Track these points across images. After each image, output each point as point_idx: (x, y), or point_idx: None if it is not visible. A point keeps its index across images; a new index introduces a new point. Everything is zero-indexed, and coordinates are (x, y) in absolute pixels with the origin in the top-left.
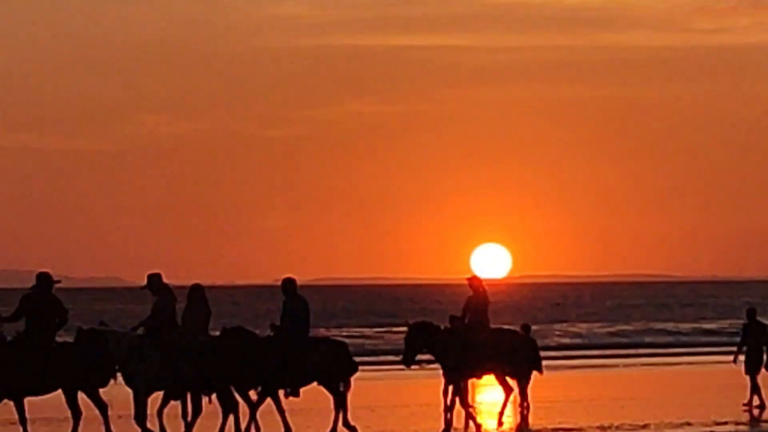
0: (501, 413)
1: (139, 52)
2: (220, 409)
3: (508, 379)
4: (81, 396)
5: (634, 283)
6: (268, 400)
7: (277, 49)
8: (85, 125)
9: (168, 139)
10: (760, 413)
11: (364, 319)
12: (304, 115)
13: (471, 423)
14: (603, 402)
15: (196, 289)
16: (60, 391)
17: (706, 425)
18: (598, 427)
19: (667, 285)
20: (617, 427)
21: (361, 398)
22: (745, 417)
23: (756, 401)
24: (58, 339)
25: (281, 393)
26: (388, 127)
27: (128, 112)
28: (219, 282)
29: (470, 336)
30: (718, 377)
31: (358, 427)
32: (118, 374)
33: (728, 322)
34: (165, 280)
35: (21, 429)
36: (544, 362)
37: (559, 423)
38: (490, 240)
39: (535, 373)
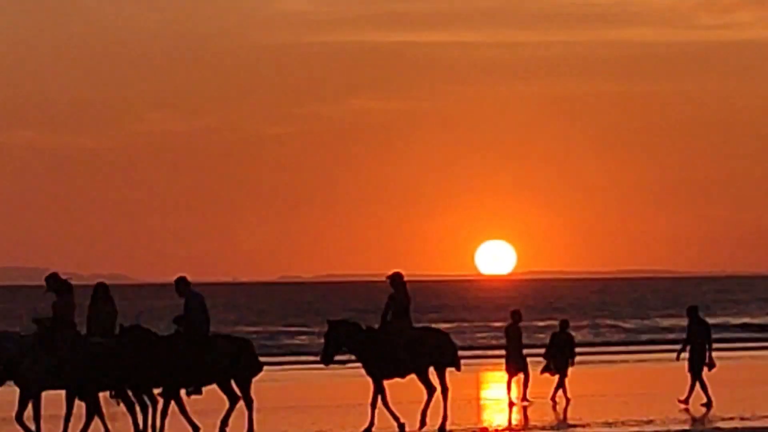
0: (423, 413)
1: (142, 49)
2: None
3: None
4: None
5: (638, 279)
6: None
7: (281, 46)
8: (88, 123)
9: (172, 136)
10: (707, 411)
11: (367, 315)
12: (308, 112)
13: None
14: (607, 398)
15: (100, 288)
16: None
17: (711, 421)
18: (602, 423)
19: (671, 281)
20: (622, 423)
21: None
22: (749, 413)
23: (701, 399)
24: None
25: (183, 392)
26: (392, 123)
27: (132, 110)
28: (223, 279)
29: (392, 335)
30: (722, 373)
31: (361, 423)
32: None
33: (731, 317)
34: (166, 277)
35: None
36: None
37: (564, 419)
38: (495, 237)
39: (452, 370)
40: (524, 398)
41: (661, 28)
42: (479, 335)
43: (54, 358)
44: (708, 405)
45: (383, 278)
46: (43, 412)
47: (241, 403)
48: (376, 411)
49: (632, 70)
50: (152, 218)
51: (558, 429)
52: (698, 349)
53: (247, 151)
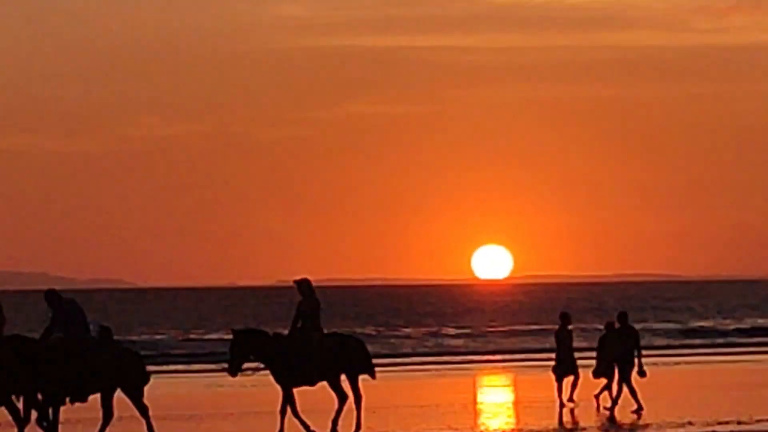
0: (335, 422)
1: (137, 53)
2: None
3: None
4: None
5: (635, 283)
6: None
7: (277, 50)
8: (84, 127)
9: (168, 140)
10: (639, 417)
11: (365, 320)
12: (305, 116)
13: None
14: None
15: None
16: None
17: (708, 424)
18: (599, 427)
19: (667, 284)
20: (618, 427)
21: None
22: (747, 416)
23: (633, 405)
24: None
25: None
26: (388, 128)
27: (128, 114)
28: (220, 283)
29: (301, 342)
30: (719, 376)
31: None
32: None
33: (728, 321)
34: (163, 281)
35: None
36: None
37: (561, 423)
38: (492, 241)
39: (366, 377)
40: (570, 399)
41: (657, 32)
42: (477, 340)
43: None
44: (638, 411)
45: (384, 281)
46: None
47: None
48: (286, 419)
49: (629, 74)
50: (148, 222)
51: None
52: (627, 355)
53: (243, 155)
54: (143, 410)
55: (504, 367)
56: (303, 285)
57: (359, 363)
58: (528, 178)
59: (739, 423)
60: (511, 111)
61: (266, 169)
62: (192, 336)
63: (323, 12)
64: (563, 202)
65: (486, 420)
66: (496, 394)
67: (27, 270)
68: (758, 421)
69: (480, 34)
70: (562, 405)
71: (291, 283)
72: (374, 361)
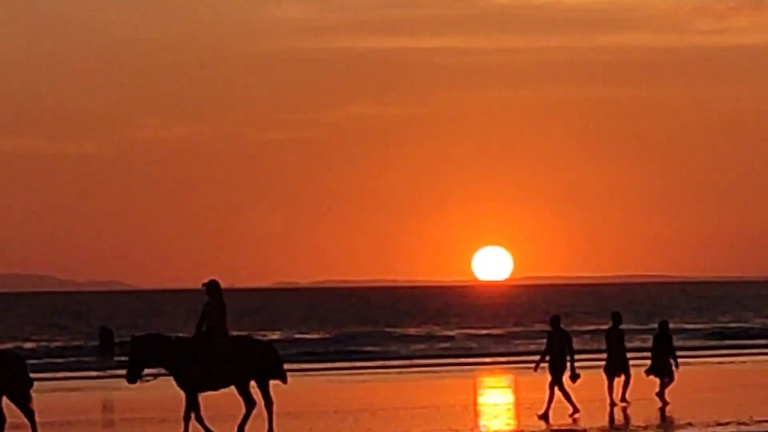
0: (240, 428)
1: (139, 55)
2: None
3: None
4: None
5: (634, 284)
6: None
7: (277, 53)
8: (86, 129)
9: (168, 142)
10: (575, 421)
11: (364, 321)
12: (305, 118)
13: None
14: (604, 403)
15: None
16: None
17: (708, 425)
18: (599, 428)
19: (666, 285)
20: (619, 428)
21: (362, 401)
22: (746, 417)
23: (570, 409)
24: None
25: None
26: (388, 129)
27: (129, 116)
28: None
29: (205, 346)
30: (719, 378)
31: (359, 429)
32: None
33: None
34: (163, 283)
35: None
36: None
37: (561, 424)
38: (492, 243)
39: (278, 382)
40: (622, 398)
41: (657, 33)
42: (477, 341)
43: None
44: (574, 413)
45: (384, 283)
46: None
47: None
48: (190, 425)
49: (629, 75)
50: (149, 225)
51: None
52: (558, 359)
53: (244, 157)
54: (29, 415)
55: (504, 369)
56: (210, 287)
57: (269, 368)
58: (528, 180)
59: (738, 424)
60: (511, 112)
61: (266, 171)
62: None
63: (324, 14)
64: (563, 203)
65: (487, 421)
66: (496, 396)
67: (27, 272)
68: (758, 422)
69: (481, 35)
70: (612, 404)
71: (291, 285)
72: (374, 362)
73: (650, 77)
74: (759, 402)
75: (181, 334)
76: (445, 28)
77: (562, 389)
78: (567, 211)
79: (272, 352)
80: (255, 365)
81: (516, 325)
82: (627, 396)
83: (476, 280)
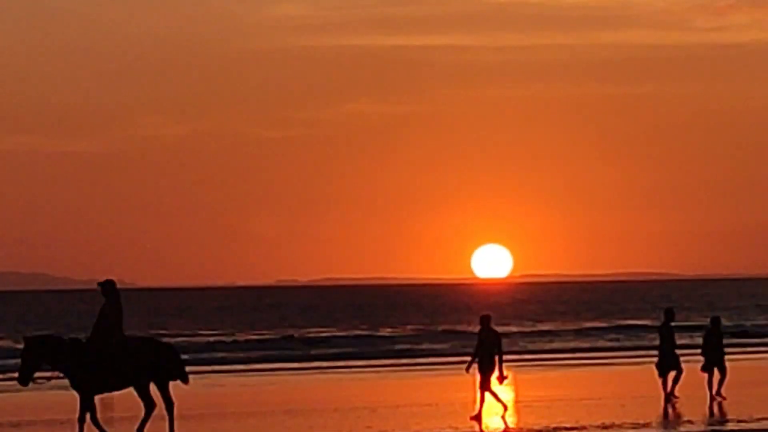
0: (140, 430)
1: (138, 54)
2: None
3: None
4: None
5: (634, 282)
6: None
7: (276, 50)
8: (84, 127)
9: (167, 140)
10: (504, 417)
11: (365, 319)
12: (304, 116)
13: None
14: (604, 401)
15: None
16: None
17: (708, 424)
18: (599, 426)
19: (666, 283)
20: (619, 426)
21: (362, 399)
22: (746, 415)
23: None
24: None
25: None
26: (387, 127)
27: (128, 114)
28: (219, 283)
29: (101, 347)
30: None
31: (359, 427)
32: None
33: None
34: (163, 281)
35: None
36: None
37: (561, 422)
38: (492, 240)
39: (178, 382)
40: (672, 394)
41: (656, 30)
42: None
43: None
44: (503, 411)
45: (384, 281)
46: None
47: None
48: (86, 426)
49: (628, 73)
50: (147, 223)
51: None
52: (486, 359)
53: (243, 155)
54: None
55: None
56: (107, 287)
57: (169, 369)
58: (528, 178)
59: (738, 422)
60: (510, 110)
61: (266, 169)
62: (190, 336)
63: (323, 12)
64: (563, 201)
65: (486, 419)
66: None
67: (27, 270)
68: (758, 419)
69: (479, 33)
70: (667, 399)
71: (291, 283)
72: (373, 361)
73: (650, 75)
74: (758, 400)
75: (74, 336)
76: (444, 26)
77: (488, 389)
78: (567, 208)
79: (171, 352)
80: (152, 366)
81: (515, 322)
82: (676, 391)
83: (476, 277)
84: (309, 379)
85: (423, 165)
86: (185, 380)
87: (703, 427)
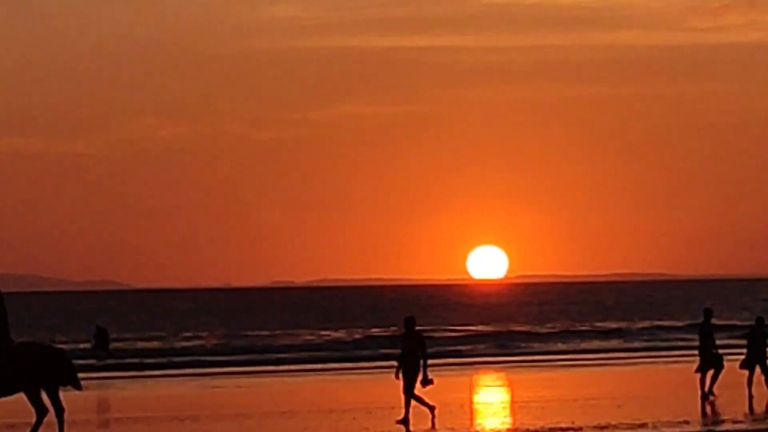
0: None
1: (133, 55)
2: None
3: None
4: None
5: (630, 282)
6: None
7: (271, 51)
8: (79, 129)
9: (163, 141)
10: (432, 417)
11: (361, 320)
12: (299, 117)
13: None
14: (600, 401)
15: None
16: None
17: (704, 424)
18: (595, 427)
19: (662, 284)
20: (614, 427)
21: (359, 400)
22: (741, 415)
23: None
24: None
25: None
26: (383, 128)
27: (122, 115)
28: (215, 284)
29: None
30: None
31: (355, 428)
32: None
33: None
34: (158, 283)
35: None
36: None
37: (557, 422)
38: (487, 242)
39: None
40: (710, 391)
41: (651, 31)
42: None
43: None
44: (432, 411)
45: (380, 282)
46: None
47: None
48: None
49: (623, 74)
50: (143, 224)
51: None
52: (411, 362)
53: (238, 156)
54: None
55: (500, 368)
56: None
57: (58, 374)
58: (523, 179)
59: (734, 422)
60: (506, 111)
61: (262, 170)
62: (187, 336)
63: (320, 13)
64: (558, 202)
65: (482, 420)
66: (492, 394)
67: (21, 272)
68: (754, 420)
69: (476, 34)
70: (705, 397)
71: (287, 284)
72: (370, 362)
73: (645, 75)
74: (756, 400)
75: None
76: (440, 27)
77: (411, 394)
78: (562, 210)
79: (60, 358)
80: (41, 372)
81: (510, 323)
82: (714, 389)
83: (471, 278)
84: (304, 381)
85: (418, 166)
86: (77, 386)
87: (699, 428)
